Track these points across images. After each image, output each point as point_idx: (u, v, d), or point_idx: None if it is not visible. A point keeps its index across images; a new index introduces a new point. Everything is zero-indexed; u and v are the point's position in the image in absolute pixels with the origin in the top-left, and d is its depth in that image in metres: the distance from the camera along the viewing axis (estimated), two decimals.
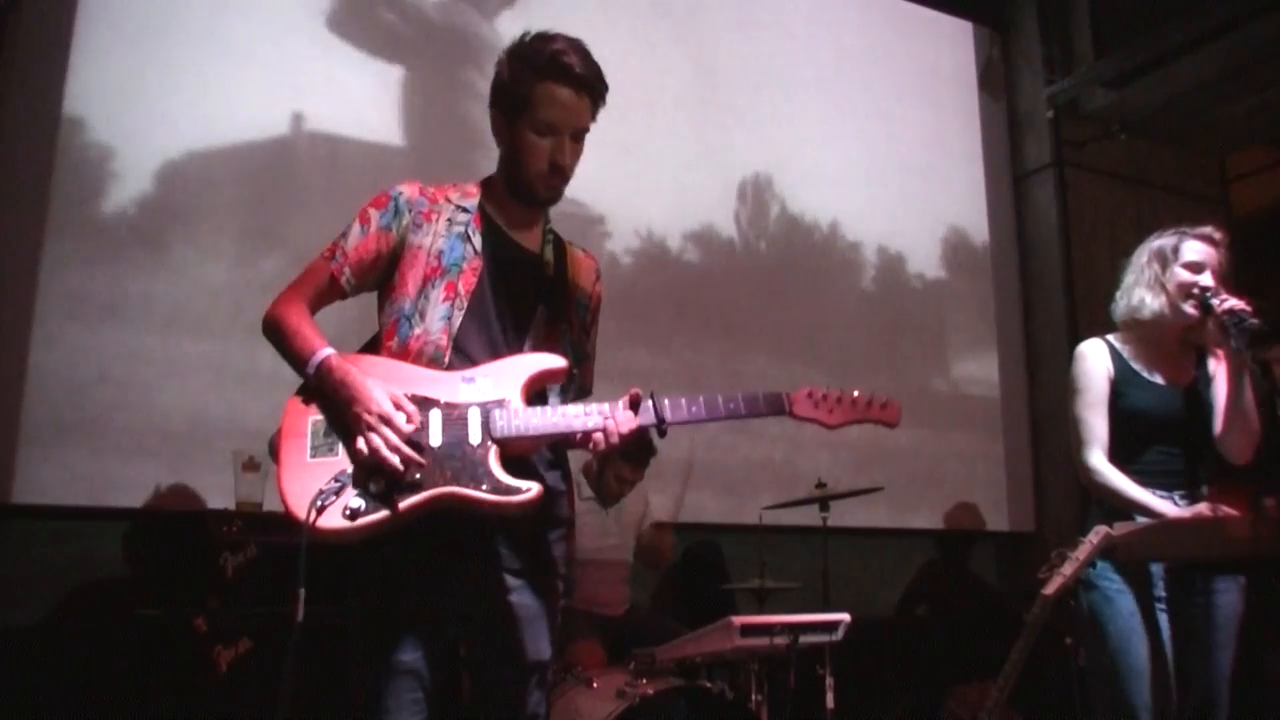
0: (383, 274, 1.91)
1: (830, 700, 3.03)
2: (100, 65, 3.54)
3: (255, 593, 2.91)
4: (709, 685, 2.95)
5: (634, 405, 1.78)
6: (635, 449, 3.56)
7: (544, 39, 1.88)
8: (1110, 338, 2.61)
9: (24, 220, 3.39)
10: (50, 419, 3.30)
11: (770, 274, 4.85)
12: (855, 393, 1.90)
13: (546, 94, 1.84)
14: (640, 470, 3.67)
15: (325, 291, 1.90)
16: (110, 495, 3.35)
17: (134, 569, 3.38)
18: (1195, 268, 2.47)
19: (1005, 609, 5.16)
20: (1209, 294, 2.41)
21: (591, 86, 1.87)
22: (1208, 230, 2.54)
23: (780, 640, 2.84)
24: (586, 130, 1.91)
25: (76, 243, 3.43)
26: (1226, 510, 2.36)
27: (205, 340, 3.55)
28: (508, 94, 1.89)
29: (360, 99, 4.01)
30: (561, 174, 1.90)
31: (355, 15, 4.07)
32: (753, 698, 2.92)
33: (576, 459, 3.66)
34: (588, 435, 1.77)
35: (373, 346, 1.91)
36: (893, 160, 5.27)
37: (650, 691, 2.77)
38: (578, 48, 1.88)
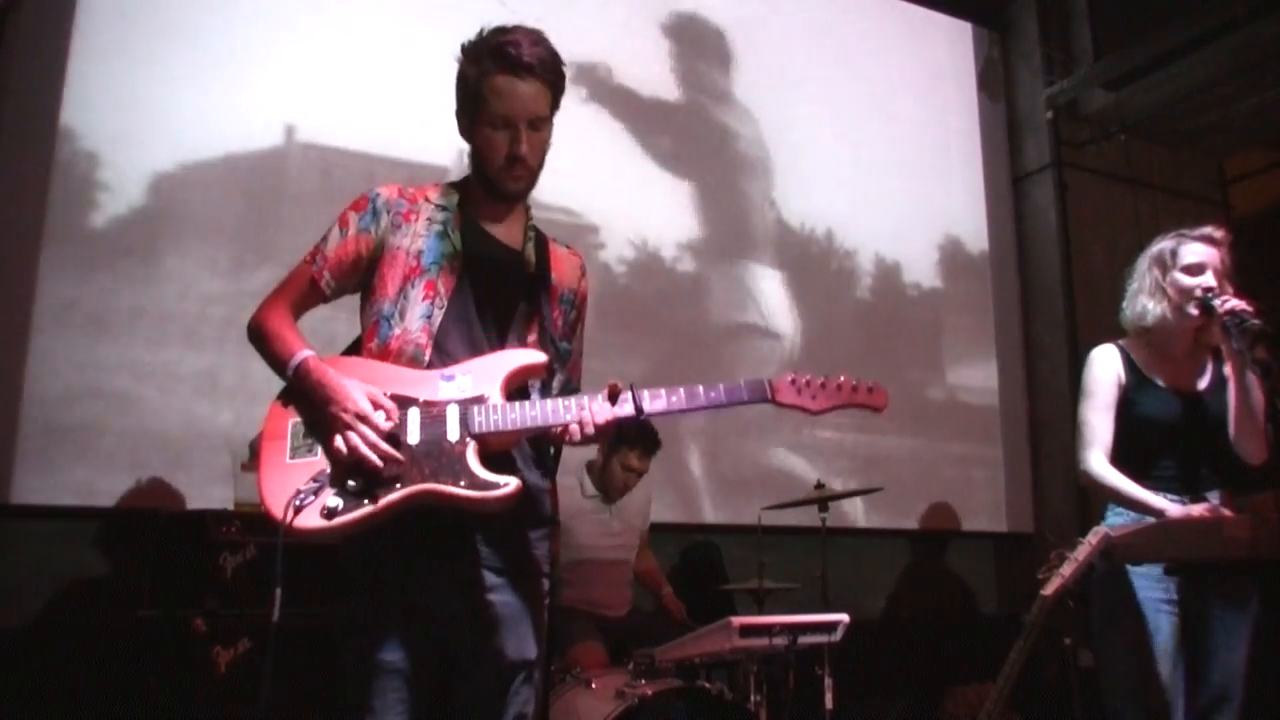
0: (363, 276, 1.91)
1: (829, 701, 3.02)
2: (90, 74, 3.53)
3: (254, 593, 2.91)
4: (708, 686, 2.95)
5: (613, 397, 1.78)
6: (639, 436, 3.57)
7: (495, 32, 1.86)
8: (1123, 343, 2.60)
9: (20, 229, 3.38)
10: (42, 429, 3.29)
11: (766, 282, 4.83)
12: (841, 377, 1.88)
13: (494, 87, 1.83)
14: (647, 459, 3.67)
15: (306, 295, 1.90)
16: (101, 502, 3.36)
17: (133, 570, 3.38)
18: (1195, 270, 2.47)
19: (976, 608, 5.18)
20: (1210, 295, 2.40)
21: (540, 73, 1.84)
22: (1207, 230, 2.53)
23: (779, 641, 2.84)
24: (544, 118, 1.88)
25: (67, 252, 3.42)
26: (1224, 510, 2.36)
27: (196, 351, 3.54)
28: (464, 93, 1.89)
29: (353, 109, 3.99)
30: (522, 164, 1.87)
31: (349, 25, 4.05)
32: (752, 698, 2.91)
33: (576, 459, 3.70)
34: (566, 428, 1.77)
35: (355, 349, 1.91)
36: (891, 161, 5.27)
37: (649, 692, 2.77)
38: (529, 35, 1.85)
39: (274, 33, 3.90)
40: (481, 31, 1.88)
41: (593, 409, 1.76)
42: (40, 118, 3.46)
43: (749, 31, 5.01)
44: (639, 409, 1.78)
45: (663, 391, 1.80)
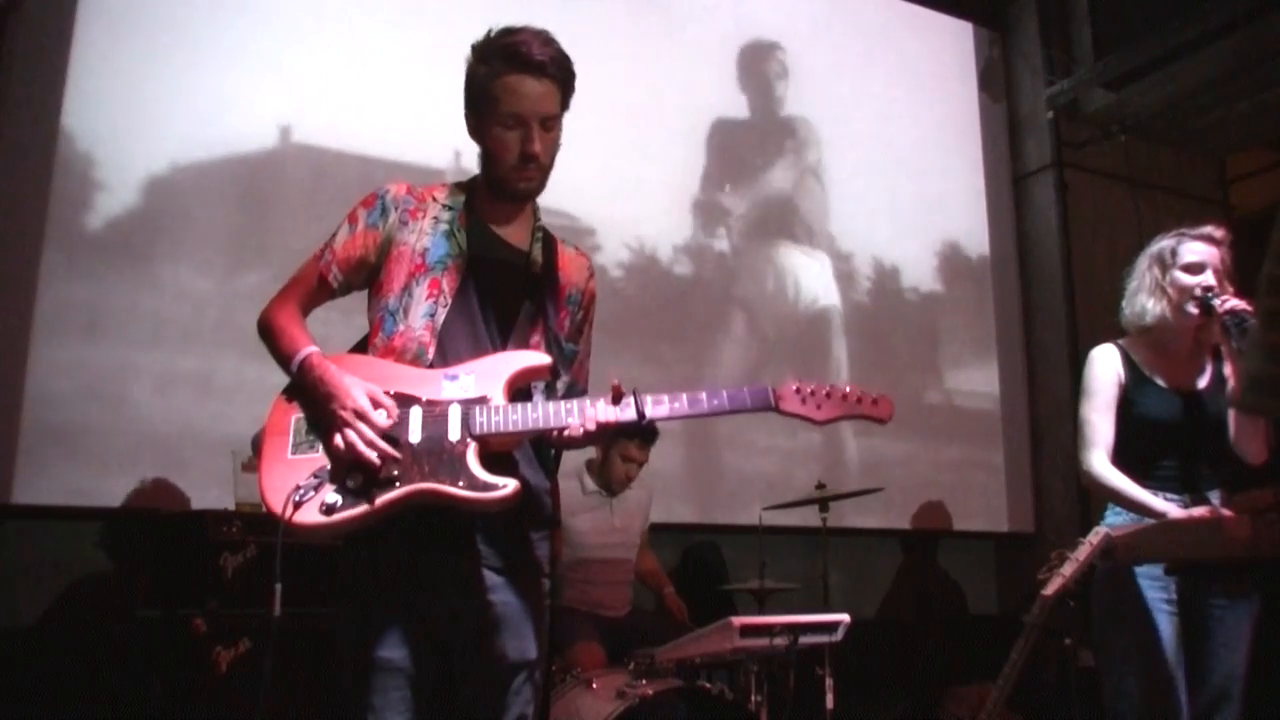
0: (371, 272, 1.92)
1: (830, 701, 3.03)
2: (86, 76, 3.52)
3: (255, 593, 2.91)
4: (708, 686, 2.95)
5: (616, 398, 1.78)
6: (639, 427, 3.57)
7: (505, 32, 1.87)
8: (1122, 343, 2.59)
9: (21, 231, 3.37)
10: (41, 430, 3.28)
11: (764, 284, 4.83)
12: (846, 387, 1.85)
13: (506, 86, 1.83)
14: (646, 448, 3.67)
15: (315, 291, 1.92)
16: (101, 502, 3.35)
17: (133, 570, 3.38)
18: (1195, 269, 2.46)
19: (977, 608, 5.17)
20: (1210, 294, 2.40)
21: (551, 72, 1.84)
22: (1207, 230, 2.53)
23: (780, 641, 2.84)
24: (555, 117, 1.88)
25: (63, 254, 3.41)
26: (1224, 511, 2.36)
27: (191, 353, 3.53)
28: (474, 93, 1.89)
29: (349, 111, 3.98)
30: (535, 162, 1.87)
31: (345, 27, 4.04)
32: (752, 698, 2.91)
33: (576, 460, 3.70)
34: (566, 428, 1.77)
35: (364, 346, 1.92)
36: (892, 161, 5.27)
37: (650, 692, 2.77)
38: (539, 36, 1.86)
39: (270, 34, 3.89)
40: (490, 31, 1.89)
41: (595, 411, 1.76)
42: (41, 120, 3.45)
43: (746, 31, 5.01)
44: (640, 413, 1.77)
45: (665, 396, 1.79)
